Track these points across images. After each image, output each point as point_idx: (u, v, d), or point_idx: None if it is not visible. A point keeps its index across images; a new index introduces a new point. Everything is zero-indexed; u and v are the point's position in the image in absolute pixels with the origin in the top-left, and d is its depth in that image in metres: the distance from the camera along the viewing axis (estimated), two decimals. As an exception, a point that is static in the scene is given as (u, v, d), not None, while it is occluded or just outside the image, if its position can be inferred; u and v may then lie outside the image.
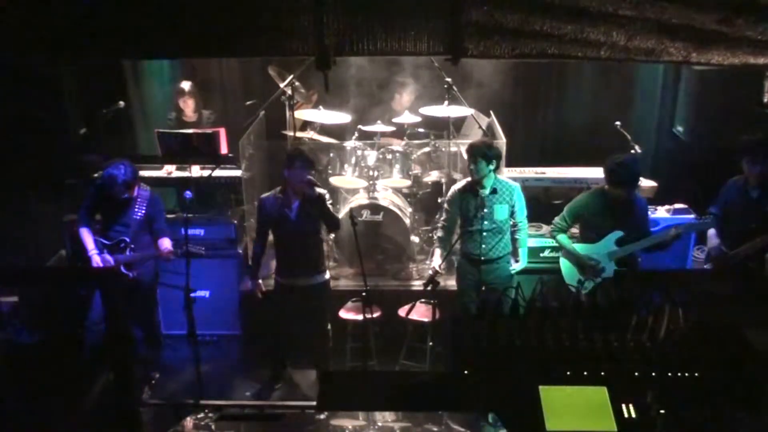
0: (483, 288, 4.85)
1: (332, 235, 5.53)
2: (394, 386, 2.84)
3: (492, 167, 4.64)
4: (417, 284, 5.77)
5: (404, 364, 5.24)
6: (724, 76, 5.72)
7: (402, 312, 5.07)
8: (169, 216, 5.20)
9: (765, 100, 5.81)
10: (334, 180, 5.89)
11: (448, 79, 5.72)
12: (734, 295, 3.14)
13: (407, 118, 6.24)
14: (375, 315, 4.98)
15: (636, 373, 2.54)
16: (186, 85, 6.38)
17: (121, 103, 6.10)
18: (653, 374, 2.54)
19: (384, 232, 5.78)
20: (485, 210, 4.68)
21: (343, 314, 5.23)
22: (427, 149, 6.05)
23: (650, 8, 2.25)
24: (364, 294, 4.54)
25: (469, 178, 4.83)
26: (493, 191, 4.66)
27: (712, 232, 4.92)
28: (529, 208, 4.98)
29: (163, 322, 5.59)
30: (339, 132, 6.47)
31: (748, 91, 5.79)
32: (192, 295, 4.67)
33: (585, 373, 2.54)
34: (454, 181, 5.88)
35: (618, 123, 5.75)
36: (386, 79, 6.69)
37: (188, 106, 6.39)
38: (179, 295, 4.67)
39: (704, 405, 2.42)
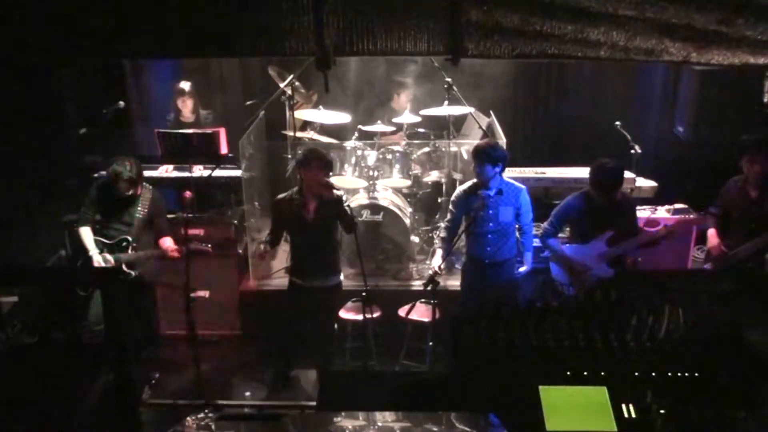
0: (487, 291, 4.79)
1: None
2: (394, 386, 2.84)
3: (498, 169, 4.56)
4: (417, 284, 5.78)
5: (404, 364, 5.24)
6: (724, 76, 5.73)
7: (402, 312, 5.07)
8: (168, 216, 5.20)
9: (765, 100, 5.81)
10: (334, 180, 5.89)
11: (448, 79, 5.73)
12: (734, 295, 3.14)
13: (407, 118, 6.24)
14: (375, 315, 4.98)
15: (636, 373, 2.54)
16: (185, 85, 6.39)
17: (121, 103, 6.10)
18: (653, 374, 2.53)
19: (384, 232, 5.78)
20: (490, 212, 4.61)
21: (343, 314, 5.22)
22: (427, 149, 6.06)
23: (650, 8, 2.25)
24: (364, 294, 4.53)
25: (474, 179, 4.75)
26: (499, 192, 4.60)
27: (712, 232, 4.93)
28: (530, 208, 4.97)
29: (163, 322, 5.60)
30: (339, 132, 6.48)
31: (748, 91, 5.82)
32: (192, 295, 4.65)
33: (585, 373, 2.54)
34: (454, 181, 5.89)
35: (618, 123, 5.75)
36: (386, 79, 6.70)
37: (186, 107, 6.39)
38: (179, 295, 4.65)
39: (704, 405, 2.41)
